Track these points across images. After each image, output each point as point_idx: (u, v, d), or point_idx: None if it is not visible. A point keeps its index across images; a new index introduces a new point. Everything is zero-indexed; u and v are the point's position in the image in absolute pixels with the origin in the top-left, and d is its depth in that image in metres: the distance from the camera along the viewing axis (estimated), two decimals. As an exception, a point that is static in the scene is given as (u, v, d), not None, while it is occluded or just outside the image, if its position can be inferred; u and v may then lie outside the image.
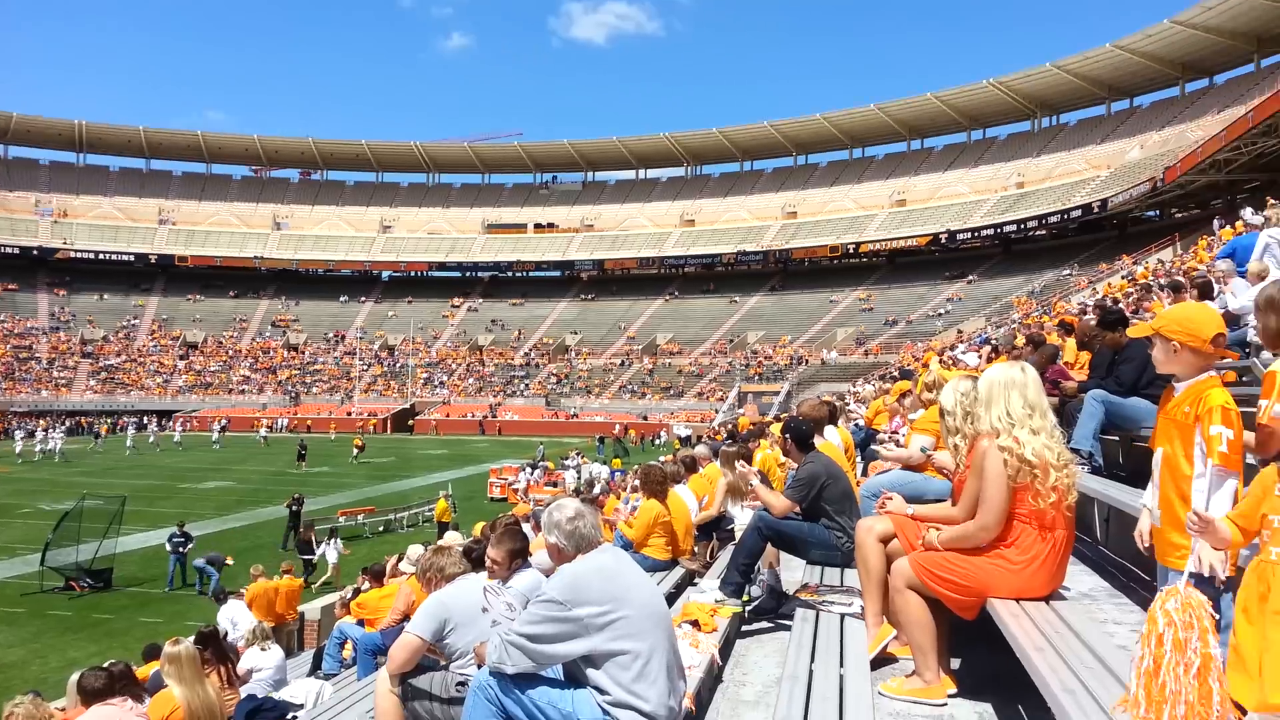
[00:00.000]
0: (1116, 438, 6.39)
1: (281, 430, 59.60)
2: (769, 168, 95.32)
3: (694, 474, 9.44)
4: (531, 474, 31.95)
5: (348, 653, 8.55)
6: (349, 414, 67.02)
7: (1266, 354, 3.23)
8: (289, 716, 6.87)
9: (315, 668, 9.37)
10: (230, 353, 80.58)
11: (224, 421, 58.35)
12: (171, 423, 60.31)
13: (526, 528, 8.88)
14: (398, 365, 77.85)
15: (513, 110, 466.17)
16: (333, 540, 19.10)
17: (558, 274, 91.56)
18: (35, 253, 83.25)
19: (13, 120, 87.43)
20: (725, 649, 4.55)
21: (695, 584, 6.60)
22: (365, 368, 77.32)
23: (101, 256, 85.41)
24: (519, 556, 5.53)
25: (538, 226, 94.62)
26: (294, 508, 22.15)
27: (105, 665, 6.30)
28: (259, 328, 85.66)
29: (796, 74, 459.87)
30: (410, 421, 66.11)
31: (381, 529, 24.36)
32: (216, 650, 8.06)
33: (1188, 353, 2.76)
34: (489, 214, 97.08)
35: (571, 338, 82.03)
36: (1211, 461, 2.56)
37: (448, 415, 66.91)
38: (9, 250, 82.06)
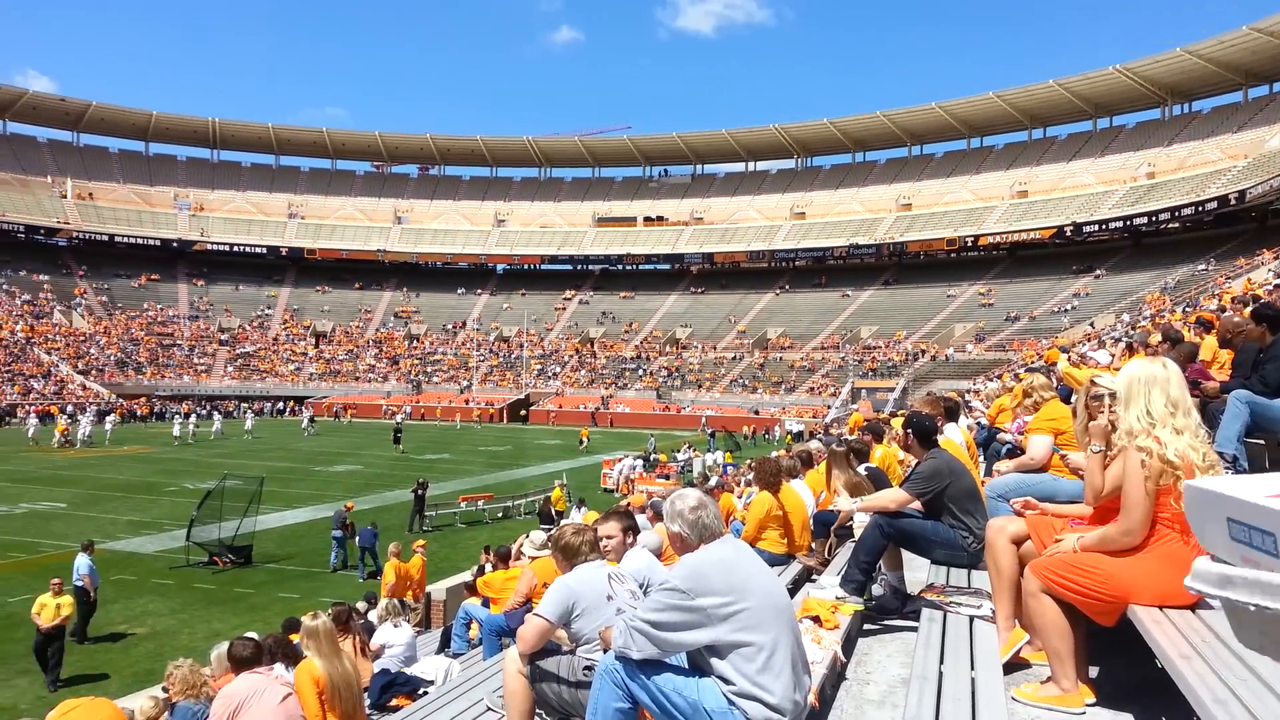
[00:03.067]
0: (1262, 440, 6.07)
1: (406, 418, 61.69)
2: (882, 159, 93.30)
3: (810, 469, 9.39)
4: (640, 466, 32.24)
5: (474, 633, 8.85)
6: (467, 403, 68.91)
7: None
8: (419, 691, 7.19)
9: (443, 646, 9.73)
10: (356, 342, 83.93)
11: (343, 411, 60.48)
12: (303, 408, 63.39)
13: (642, 518, 9.01)
14: (512, 356, 79.60)
15: (621, 103, 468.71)
16: (582, 508, 19.52)
17: (667, 267, 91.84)
18: (175, 245, 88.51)
19: (153, 119, 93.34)
20: (847, 647, 4.54)
21: (813, 580, 6.58)
22: (482, 358, 79.35)
23: (236, 249, 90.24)
24: (631, 533, 5.67)
25: (647, 219, 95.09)
26: (419, 492, 22.99)
27: (255, 635, 6.72)
28: (383, 318, 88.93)
29: (911, 62, 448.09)
30: (524, 411, 67.51)
31: (500, 515, 25.04)
32: (349, 626, 8.49)
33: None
34: (599, 207, 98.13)
35: (682, 331, 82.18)
36: None
37: (560, 406, 68.03)
38: (151, 242, 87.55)
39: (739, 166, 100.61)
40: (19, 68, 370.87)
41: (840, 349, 71.80)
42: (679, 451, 37.59)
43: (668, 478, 30.23)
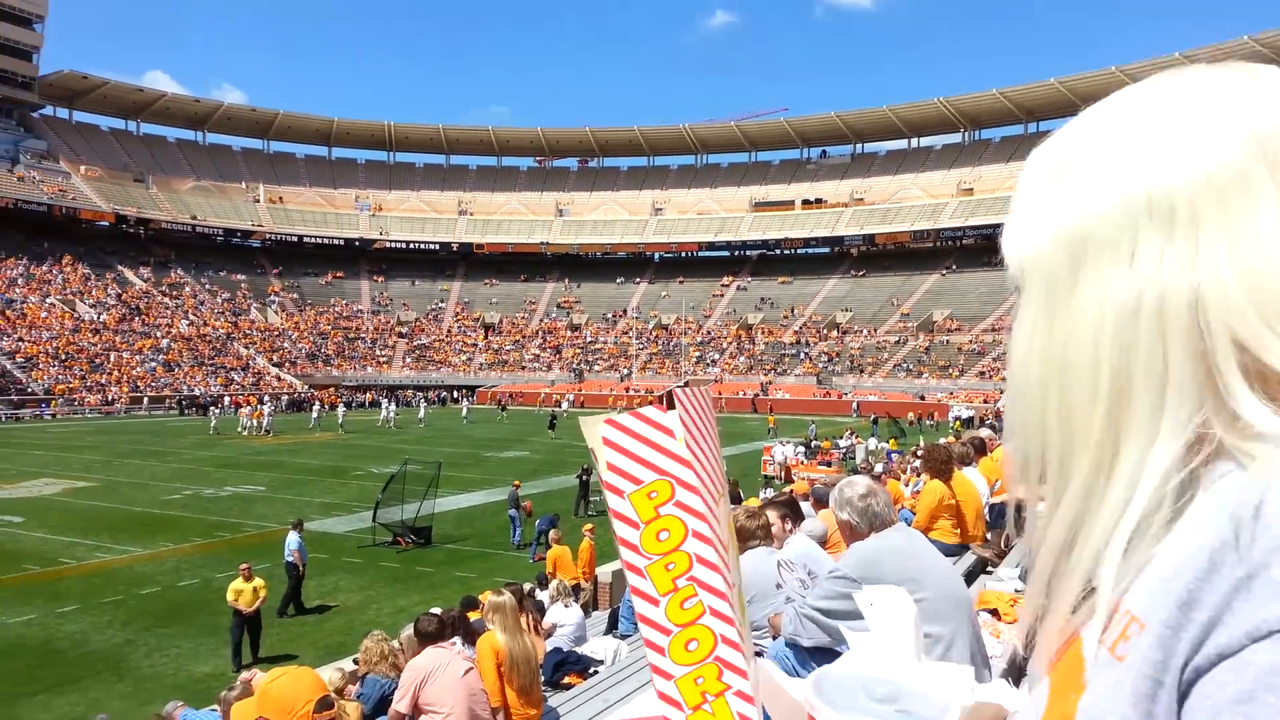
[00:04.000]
0: None
1: (571, 405, 63.35)
2: (1057, 128, 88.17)
3: (984, 456, 9.07)
4: (796, 451, 31.90)
5: (640, 616, 9.04)
6: (627, 391, 70.07)
7: None
8: (590, 670, 7.42)
9: (611, 627, 9.99)
10: (522, 333, 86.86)
11: (507, 399, 62.75)
12: (475, 397, 66.29)
13: (806, 505, 8.94)
14: (671, 344, 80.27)
15: (778, 85, 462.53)
16: (767, 490, 19.69)
17: (826, 250, 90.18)
18: (357, 243, 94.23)
19: (334, 125, 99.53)
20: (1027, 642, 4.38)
21: (989, 571, 6.37)
22: (641, 346, 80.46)
23: (412, 246, 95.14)
24: (793, 520, 5.64)
25: (805, 202, 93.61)
26: (584, 477, 23.59)
27: (439, 611, 7.13)
28: (546, 309, 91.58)
29: (1087, 25, 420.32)
30: (684, 398, 67.94)
31: (660, 501, 25.37)
32: (523, 605, 8.85)
33: None
34: (756, 192, 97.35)
35: (842, 315, 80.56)
36: None
37: (720, 393, 68.08)
38: (336, 242, 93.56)
39: (901, 143, 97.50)
40: (215, 82, 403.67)
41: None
42: (841, 438, 36.93)
43: (829, 465, 29.77)
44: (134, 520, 21.58)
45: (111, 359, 62.24)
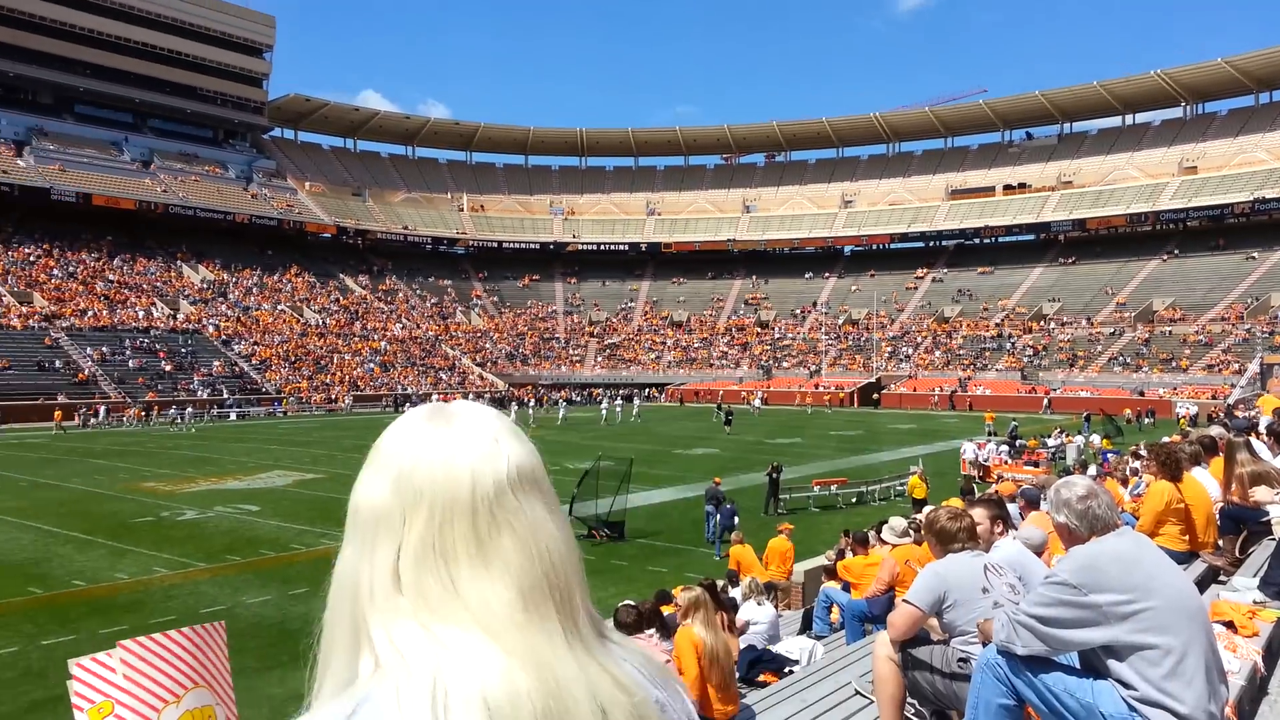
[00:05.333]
0: None
1: (763, 402, 62.99)
2: (1293, 99, 79.54)
3: (1215, 457, 8.32)
4: (999, 450, 30.31)
5: (835, 616, 8.90)
6: (816, 387, 69.01)
7: None
8: (785, 670, 7.38)
9: (805, 628, 9.89)
10: (710, 330, 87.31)
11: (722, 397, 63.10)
12: (664, 394, 67.14)
13: (1013, 507, 8.53)
14: (862, 339, 78.34)
15: (975, 66, 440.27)
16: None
17: (1031, 238, 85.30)
18: (551, 247, 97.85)
19: (530, 134, 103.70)
20: (1268, 658, 4.02)
21: (1222, 581, 5.87)
22: (831, 342, 78.99)
23: (602, 247, 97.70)
24: (1000, 522, 5.39)
25: (1007, 188, 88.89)
26: (773, 475, 23.42)
27: (635, 603, 7.31)
28: (733, 306, 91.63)
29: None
30: (876, 395, 66.19)
31: (854, 500, 24.83)
32: (717, 600, 8.91)
33: None
34: (952, 179, 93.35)
35: (1049, 306, 75.94)
36: None
37: (914, 389, 65.84)
38: (532, 246, 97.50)
39: (1114, 121, 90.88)
40: (421, 99, 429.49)
41: (1244, 320, 62.35)
42: (1049, 436, 34.83)
43: (1036, 465, 28.16)
44: (355, 509, 23.28)
45: (334, 360, 67.50)
